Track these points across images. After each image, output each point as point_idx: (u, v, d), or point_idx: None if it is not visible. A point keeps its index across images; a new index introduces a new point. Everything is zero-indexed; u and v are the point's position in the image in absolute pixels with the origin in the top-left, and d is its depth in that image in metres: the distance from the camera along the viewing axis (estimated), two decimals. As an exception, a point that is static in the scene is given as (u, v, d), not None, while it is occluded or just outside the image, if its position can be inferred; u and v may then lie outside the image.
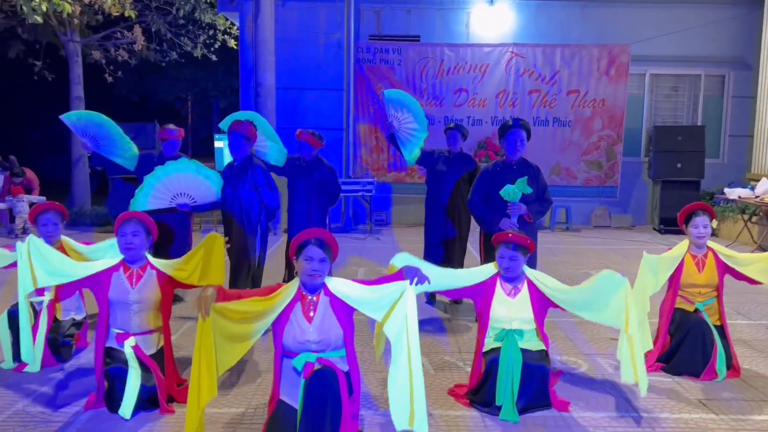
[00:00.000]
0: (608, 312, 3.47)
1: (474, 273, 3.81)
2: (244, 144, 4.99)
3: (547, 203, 4.93)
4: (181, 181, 4.85)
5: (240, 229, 4.93)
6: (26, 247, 3.60)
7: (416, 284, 3.08)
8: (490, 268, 3.81)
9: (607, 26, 12.16)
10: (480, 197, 5.00)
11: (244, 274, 4.97)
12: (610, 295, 3.46)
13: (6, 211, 11.22)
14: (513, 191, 4.70)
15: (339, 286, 3.13)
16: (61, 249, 4.43)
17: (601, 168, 12.12)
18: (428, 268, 3.51)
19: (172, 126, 5.71)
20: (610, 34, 12.11)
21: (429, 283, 3.18)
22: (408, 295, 3.02)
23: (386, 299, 3.05)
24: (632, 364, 3.37)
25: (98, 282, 3.63)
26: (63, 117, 4.77)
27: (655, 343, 4.38)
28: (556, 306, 3.71)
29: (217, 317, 2.86)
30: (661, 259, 4.27)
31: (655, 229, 11.65)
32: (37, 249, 3.62)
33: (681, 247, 4.36)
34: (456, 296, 3.77)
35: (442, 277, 3.67)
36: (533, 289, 3.71)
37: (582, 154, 12.06)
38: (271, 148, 5.47)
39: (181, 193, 4.84)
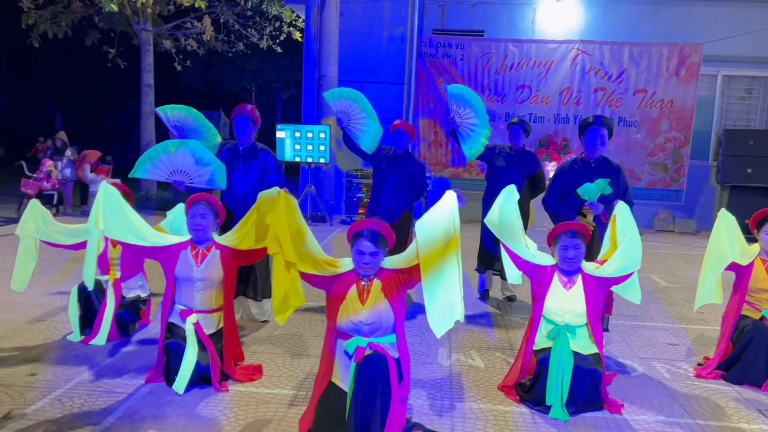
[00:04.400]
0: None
1: (539, 254, 3.80)
2: (251, 127, 5.04)
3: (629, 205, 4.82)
4: (182, 160, 4.65)
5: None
6: (101, 193, 3.81)
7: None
8: (550, 258, 3.78)
9: (679, 24, 11.81)
10: (556, 196, 4.92)
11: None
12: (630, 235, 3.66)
13: (70, 189, 11.78)
14: (592, 190, 4.59)
15: (392, 261, 3.22)
16: None
17: (667, 171, 11.80)
18: (510, 220, 3.68)
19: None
20: (681, 32, 11.75)
21: (464, 202, 3.21)
22: (449, 197, 3.10)
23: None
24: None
25: (168, 256, 3.78)
26: (157, 110, 5.07)
27: (717, 349, 4.26)
28: (613, 281, 3.69)
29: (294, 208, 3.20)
30: (738, 230, 4.17)
31: (721, 235, 11.22)
32: (111, 198, 3.78)
33: (753, 247, 4.22)
34: (516, 264, 3.76)
35: (515, 237, 3.72)
36: (588, 280, 3.66)
37: (647, 155, 11.76)
38: (366, 132, 5.47)
39: (179, 170, 4.65)
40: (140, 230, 3.74)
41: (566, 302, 3.64)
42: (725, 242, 4.10)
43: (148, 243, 3.74)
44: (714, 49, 11.48)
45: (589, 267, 3.73)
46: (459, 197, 3.15)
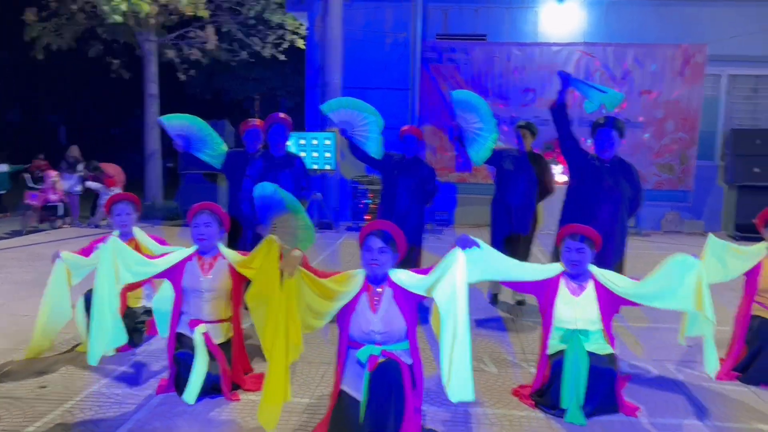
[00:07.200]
0: (680, 296, 3.44)
1: (539, 269, 3.74)
2: (287, 136, 5.08)
3: (639, 203, 4.96)
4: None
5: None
6: (111, 248, 3.61)
7: (467, 249, 3.03)
8: (555, 267, 3.74)
9: (682, 25, 11.77)
10: (574, 142, 4.91)
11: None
12: (682, 278, 3.42)
13: (77, 201, 11.75)
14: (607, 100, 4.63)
15: (401, 276, 3.16)
16: (135, 242, 4.58)
17: (674, 171, 11.74)
18: (494, 255, 3.47)
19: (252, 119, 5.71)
20: (685, 33, 11.70)
21: (478, 247, 3.14)
22: (458, 260, 2.99)
23: (439, 272, 3.05)
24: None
25: (173, 272, 3.75)
26: (161, 119, 5.11)
27: (730, 351, 4.22)
28: (627, 302, 3.62)
29: (301, 281, 3.01)
30: (729, 247, 4.17)
31: (729, 236, 11.18)
32: (119, 250, 3.65)
33: (758, 248, 4.18)
34: (518, 289, 3.73)
35: (507, 266, 3.60)
36: (600, 288, 3.61)
37: (653, 156, 11.71)
38: (371, 138, 5.47)
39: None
40: (146, 270, 3.73)
41: (578, 309, 3.59)
42: (713, 270, 4.07)
43: (158, 272, 3.75)
44: (718, 49, 11.42)
45: (607, 276, 3.66)
46: (471, 243, 3.06)
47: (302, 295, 3.04)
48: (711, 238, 4.17)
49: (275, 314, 2.99)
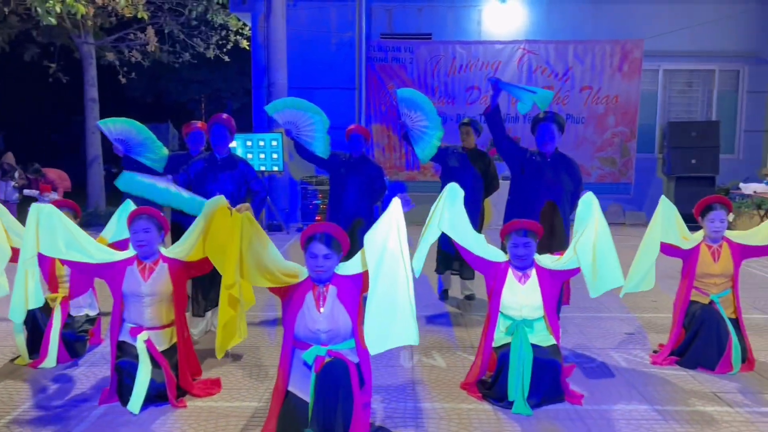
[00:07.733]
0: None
1: (491, 248, 3.83)
2: (228, 137, 5.00)
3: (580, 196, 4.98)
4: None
5: None
6: (35, 214, 3.47)
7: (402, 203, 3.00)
8: (503, 255, 3.82)
9: (620, 21, 12.08)
10: (509, 139, 4.99)
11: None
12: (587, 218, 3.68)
13: (14, 210, 11.32)
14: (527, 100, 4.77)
15: (346, 267, 3.17)
16: None
17: (615, 165, 12.05)
18: (463, 216, 3.64)
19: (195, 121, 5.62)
20: (622, 29, 12.02)
21: (413, 206, 3.30)
22: (392, 205, 2.96)
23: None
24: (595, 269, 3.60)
25: (113, 273, 3.65)
26: (99, 123, 5.02)
27: (669, 336, 4.36)
28: (569, 273, 3.77)
29: (249, 225, 3.13)
30: (678, 219, 4.30)
31: (670, 225, 11.52)
32: (57, 218, 3.51)
33: (696, 236, 4.34)
34: (471, 263, 3.79)
35: (472, 233, 3.72)
36: (542, 273, 3.72)
37: (595, 150, 12.00)
38: (318, 138, 5.45)
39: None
40: (84, 246, 3.59)
41: (522, 296, 3.68)
42: (660, 228, 4.20)
43: (93, 260, 3.61)
44: (654, 45, 11.78)
45: (543, 260, 3.77)
46: (406, 202, 3.10)
47: (250, 238, 3.12)
48: (663, 199, 4.27)
49: (232, 250, 3.17)
